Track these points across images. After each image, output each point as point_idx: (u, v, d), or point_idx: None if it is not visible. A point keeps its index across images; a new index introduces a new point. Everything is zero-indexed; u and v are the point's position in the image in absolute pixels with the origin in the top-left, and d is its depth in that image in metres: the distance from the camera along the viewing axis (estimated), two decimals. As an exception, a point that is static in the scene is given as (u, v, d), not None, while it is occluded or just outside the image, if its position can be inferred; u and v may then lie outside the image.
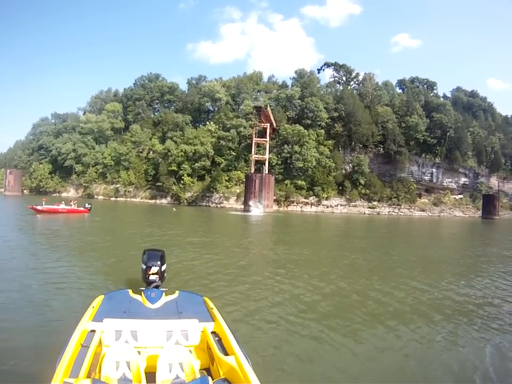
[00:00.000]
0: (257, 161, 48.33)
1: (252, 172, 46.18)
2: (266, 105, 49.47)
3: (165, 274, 4.86)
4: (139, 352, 2.97)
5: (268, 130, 48.46)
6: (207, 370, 2.99)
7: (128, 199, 56.70)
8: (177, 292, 4.05)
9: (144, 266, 4.67)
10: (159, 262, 4.68)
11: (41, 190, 64.00)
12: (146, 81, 67.49)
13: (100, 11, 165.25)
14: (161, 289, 4.14)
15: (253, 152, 48.16)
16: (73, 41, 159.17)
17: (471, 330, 5.66)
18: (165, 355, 2.76)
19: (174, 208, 38.08)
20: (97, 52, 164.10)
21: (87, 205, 25.61)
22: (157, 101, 66.77)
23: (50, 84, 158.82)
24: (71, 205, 25.13)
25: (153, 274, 4.55)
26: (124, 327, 3.24)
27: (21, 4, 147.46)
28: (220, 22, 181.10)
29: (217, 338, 3.15)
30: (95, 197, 58.96)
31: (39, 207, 23.35)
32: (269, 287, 7.61)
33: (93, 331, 3.10)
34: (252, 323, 5.43)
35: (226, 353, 2.88)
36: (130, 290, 4.03)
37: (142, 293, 3.92)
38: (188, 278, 7.99)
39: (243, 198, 45.55)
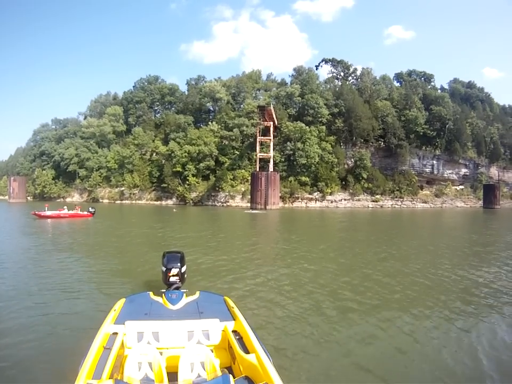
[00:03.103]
0: (261, 159, 48.85)
1: (257, 170, 46.73)
2: (269, 103, 49.91)
3: (185, 275, 4.91)
4: (161, 353, 2.99)
5: (271, 129, 48.93)
6: (228, 369, 3.03)
7: (134, 202, 57.14)
8: (198, 293, 4.08)
9: (164, 269, 4.71)
10: (178, 264, 4.72)
11: (45, 196, 64.05)
12: (146, 83, 67.73)
13: (89, 14, 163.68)
14: (181, 290, 4.18)
15: (257, 151, 48.53)
16: (64, 45, 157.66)
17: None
18: (187, 355, 2.80)
19: (174, 209, 38.55)
20: (90, 56, 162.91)
21: (90, 209, 25.79)
22: (157, 103, 67.07)
23: (44, 90, 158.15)
24: (74, 210, 25.51)
25: (173, 276, 4.60)
26: (146, 328, 3.26)
27: (14, 8, 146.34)
28: (212, 21, 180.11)
29: (238, 337, 3.17)
30: (100, 200, 59.35)
31: (42, 213, 23.61)
32: (292, 283, 7.51)
33: (115, 333, 3.15)
34: (272, 321, 5.34)
35: (247, 351, 2.89)
36: (151, 293, 4.08)
37: (163, 294, 3.97)
38: (208, 277, 7.91)
39: (249, 196, 46.12)
